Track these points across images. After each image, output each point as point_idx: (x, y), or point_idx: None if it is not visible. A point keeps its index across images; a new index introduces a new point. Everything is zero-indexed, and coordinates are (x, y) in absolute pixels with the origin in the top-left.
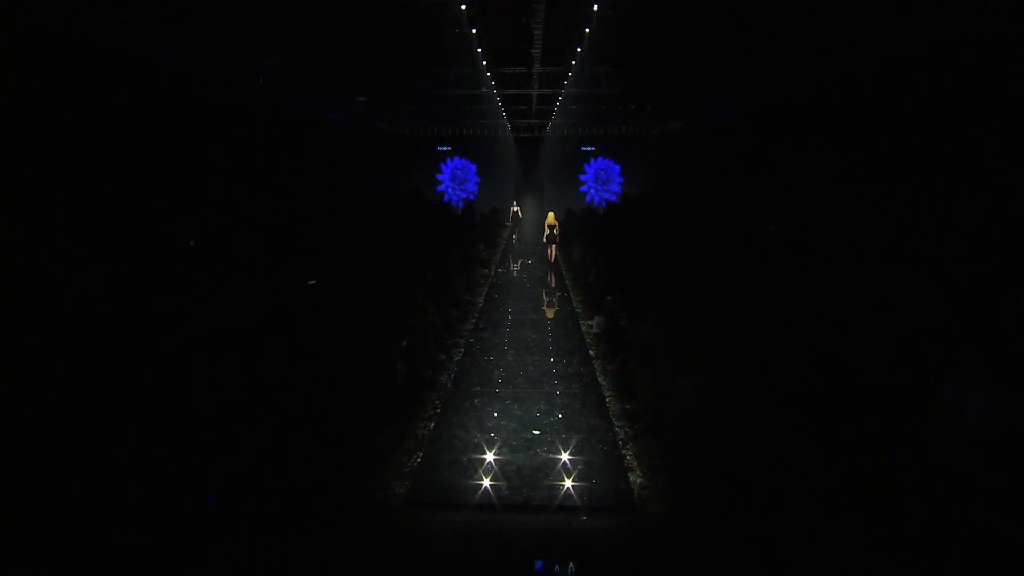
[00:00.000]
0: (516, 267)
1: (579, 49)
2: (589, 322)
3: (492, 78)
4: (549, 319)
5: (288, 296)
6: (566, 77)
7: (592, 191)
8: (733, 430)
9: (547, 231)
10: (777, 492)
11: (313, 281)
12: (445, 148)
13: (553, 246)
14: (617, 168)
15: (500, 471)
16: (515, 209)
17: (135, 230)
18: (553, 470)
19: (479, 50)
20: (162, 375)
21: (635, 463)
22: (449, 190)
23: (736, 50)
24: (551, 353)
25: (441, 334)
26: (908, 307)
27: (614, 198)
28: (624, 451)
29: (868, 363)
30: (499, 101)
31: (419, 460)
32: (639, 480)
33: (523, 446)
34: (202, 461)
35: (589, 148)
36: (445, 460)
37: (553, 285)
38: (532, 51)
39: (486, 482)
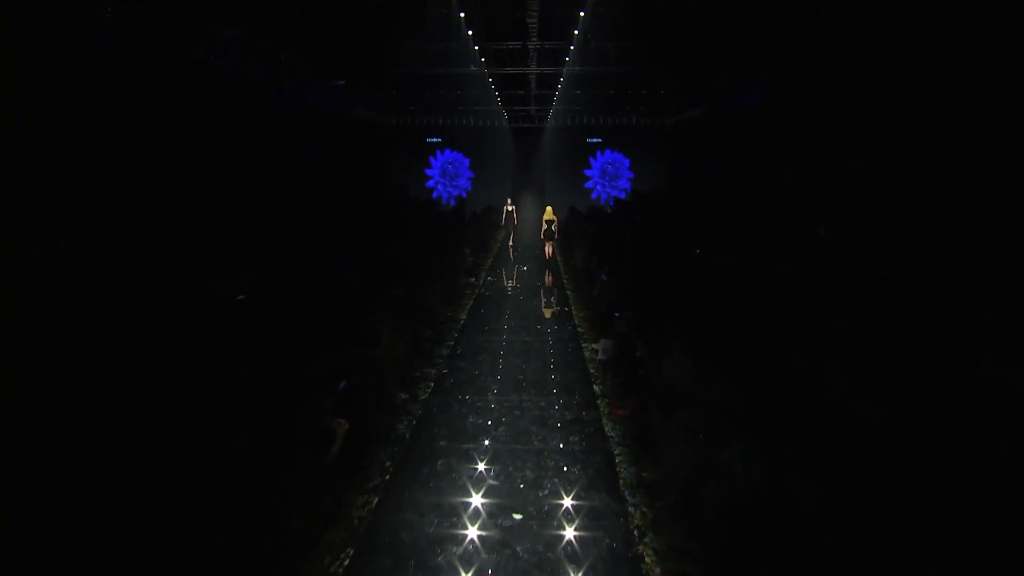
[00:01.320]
0: (509, 276)
1: (582, 14)
2: (594, 346)
3: (483, 54)
4: (544, 341)
5: (206, 316)
6: (568, 53)
7: (599, 187)
8: (807, 528)
9: (544, 226)
10: None
11: (243, 296)
12: (435, 140)
13: (551, 243)
14: (627, 162)
15: None
16: (509, 208)
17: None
18: None
19: (461, 15)
20: None
21: (658, 570)
22: (439, 186)
23: (769, 20)
24: (545, 389)
25: (407, 364)
26: None
27: (623, 195)
28: (642, 546)
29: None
30: (492, 84)
31: (347, 562)
32: None
33: (498, 540)
34: None
35: (595, 140)
36: (383, 566)
37: (551, 297)
38: (529, 22)
39: None
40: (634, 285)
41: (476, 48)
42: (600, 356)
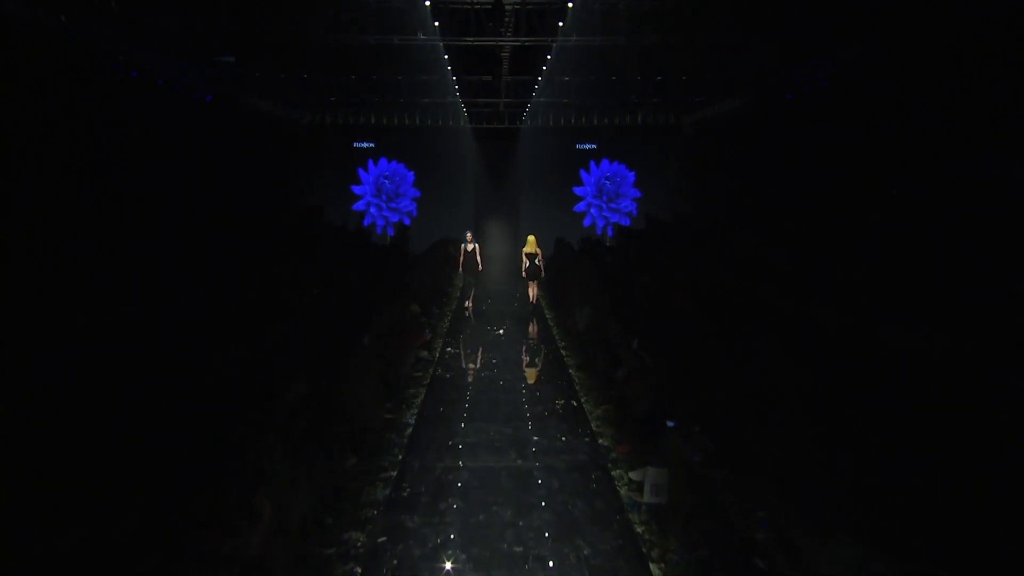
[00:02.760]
0: (478, 343)
1: None
2: (632, 475)
3: (436, 17)
4: (547, 467)
5: None
6: (563, 16)
7: (593, 210)
8: None
9: (526, 262)
10: None
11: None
12: (366, 145)
13: (534, 284)
14: (631, 176)
15: None
16: (470, 247)
17: None
18: None
19: None
20: None
21: None
22: (372, 209)
23: None
24: None
25: (312, 531)
26: None
27: (627, 221)
28: None
29: None
30: (448, 63)
31: None
32: None
33: None
34: None
35: (589, 146)
36: None
37: (546, 381)
38: None
39: None
40: (686, 368)
41: (428, 4)
42: (648, 498)
